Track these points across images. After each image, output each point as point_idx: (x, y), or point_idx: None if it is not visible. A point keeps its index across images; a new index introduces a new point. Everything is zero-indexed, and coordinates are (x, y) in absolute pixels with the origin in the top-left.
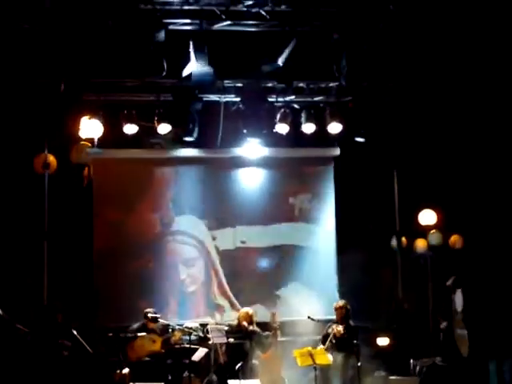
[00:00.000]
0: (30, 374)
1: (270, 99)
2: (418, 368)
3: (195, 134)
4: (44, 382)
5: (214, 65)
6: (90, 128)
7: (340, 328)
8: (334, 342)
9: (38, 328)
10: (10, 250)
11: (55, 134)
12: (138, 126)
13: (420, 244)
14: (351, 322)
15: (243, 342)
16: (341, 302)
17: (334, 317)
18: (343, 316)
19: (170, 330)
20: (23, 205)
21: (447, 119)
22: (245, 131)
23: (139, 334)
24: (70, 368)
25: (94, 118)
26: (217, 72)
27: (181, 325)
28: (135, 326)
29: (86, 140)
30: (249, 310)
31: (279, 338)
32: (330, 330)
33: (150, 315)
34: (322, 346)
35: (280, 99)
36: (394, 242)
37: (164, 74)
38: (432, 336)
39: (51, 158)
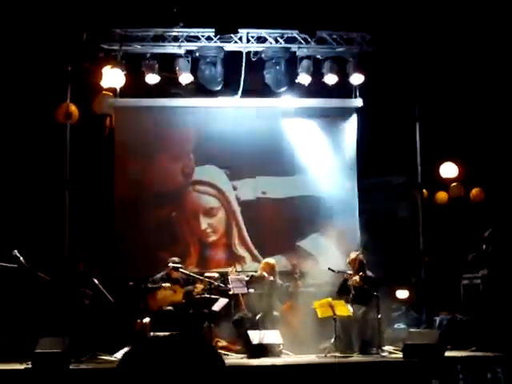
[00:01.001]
0: (51, 321)
1: (292, 49)
2: (437, 321)
3: (217, 84)
4: (65, 331)
5: (237, 14)
6: (112, 78)
7: (356, 277)
8: (353, 293)
9: (59, 276)
10: (32, 200)
11: (77, 83)
12: (159, 76)
13: (441, 196)
14: (368, 273)
15: (263, 292)
16: (352, 255)
17: None
18: (357, 267)
19: (192, 282)
20: (45, 155)
21: (471, 70)
22: (267, 81)
23: (163, 285)
24: (91, 316)
25: (116, 68)
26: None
27: (201, 274)
28: (158, 275)
29: (108, 90)
30: (271, 260)
31: (299, 289)
32: (349, 282)
33: (171, 265)
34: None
35: (302, 49)
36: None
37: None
38: (452, 290)
39: (73, 108)
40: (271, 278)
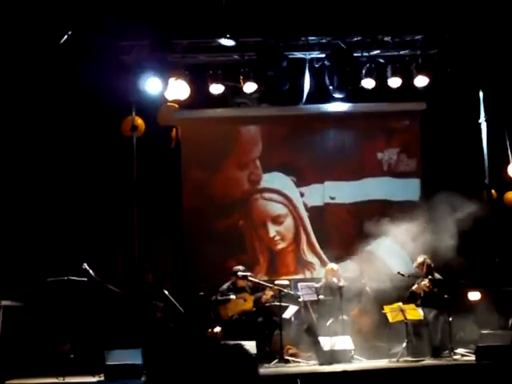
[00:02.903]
0: (123, 334)
1: (355, 54)
2: (510, 322)
3: (282, 92)
4: (137, 343)
5: (298, 21)
6: (177, 89)
7: (425, 282)
8: (422, 297)
9: (129, 289)
10: (100, 213)
11: (142, 96)
12: (223, 85)
13: (510, 196)
14: (437, 275)
15: (333, 298)
16: (420, 259)
17: None
18: (426, 271)
19: (261, 289)
20: (113, 168)
21: None
22: (330, 87)
23: (231, 297)
24: (163, 329)
25: (181, 79)
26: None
27: (271, 282)
28: (225, 286)
29: (173, 101)
30: (334, 265)
31: (369, 294)
32: (414, 288)
33: (239, 273)
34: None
35: (365, 54)
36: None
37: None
38: None
39: (139, 121)
40: (340, 284)
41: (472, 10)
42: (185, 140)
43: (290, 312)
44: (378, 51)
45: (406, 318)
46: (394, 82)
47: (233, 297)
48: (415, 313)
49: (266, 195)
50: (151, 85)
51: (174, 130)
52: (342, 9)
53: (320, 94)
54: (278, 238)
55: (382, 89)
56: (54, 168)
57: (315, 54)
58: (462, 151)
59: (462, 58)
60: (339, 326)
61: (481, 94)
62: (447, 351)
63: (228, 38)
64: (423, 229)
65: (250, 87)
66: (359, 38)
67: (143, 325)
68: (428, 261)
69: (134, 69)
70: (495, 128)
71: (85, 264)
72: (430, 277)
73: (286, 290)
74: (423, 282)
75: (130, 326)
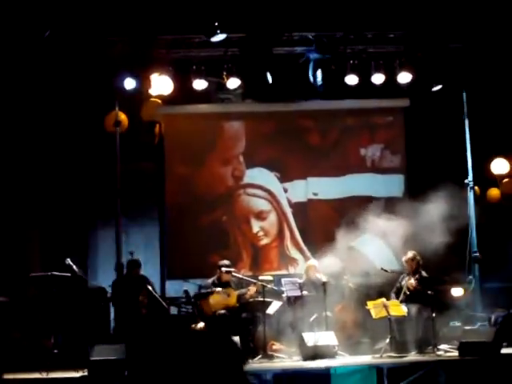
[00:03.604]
0: (107, 329)
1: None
2: (493, 318)
3: (265, 88)
4: (121, 339)
5: (283, 17)
6: (161, 85)
7: (412, 281)
8: (407, 294)
9: (115, 284)
10: (83, 208)
11: (125, 91)
12: (207, 81)
13: (493, 193)
14: (423, 273)
15: (317, 294)
16: (410, 254)
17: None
18: (414, 268)
19: (246, 285)
20: (95, 163)
21: None
22: (313, 83)
23: (215, 289)
24: (148, 325)
25: (164, 75)
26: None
27: (255, 278)
28: (210, 280)
29: (156, 97)
30: (314, 261)
31: (352, 290)
32: (403, 283)
33: (223, 269)
34: (394, 299)
35: (348, 50)
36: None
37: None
38: (507, 287)
39: (122, 116)
40: (324, 280)
41: (456, 7)
42: (168, 135)
43: (273, 308)
44: (361, 47)
45: (389, 314)
46: (378, 79)
47: (218, 289)
48: (398, 309)
49: (250, 191)
50: (133, 80)
51: (158, 125)
52: (325, 4)
53: (304, 90)
54: (261, 233)
55: (365, 85)
56: (36, 163)
57: (299, 50)
58: (446, 148)
59: (446, 54)
60: (323, 321)
61: (464, 94)
62: (430, 347)
63: (219, 33)
64: (407, 225)
65: (233, 83)
66: (342, 34)
67: (128, 321)
68: (418, 257)
69: (117, 64)
70: (478, 124)
71: (68, 259)
72: (416, 276)
73: (269, 286)
74: (410, 281)
75: (115, 322)
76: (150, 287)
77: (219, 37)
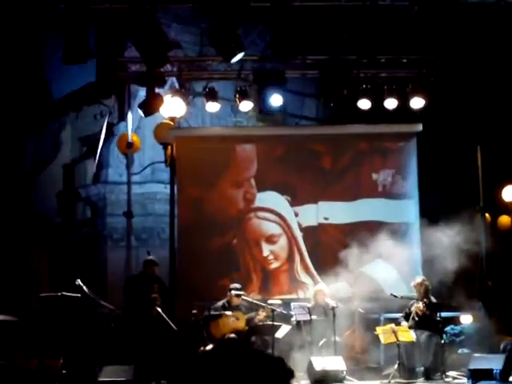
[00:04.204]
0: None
1: (352, 75)
2: (502, 346)
3: (278, 111)
4: (130, 359)
5: (295, 40)
6: (173, 107)
7: (420, 305)
8: (416, 319)
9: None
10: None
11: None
12: (219, 103)
13: (504, 220)
14: (432, 299)
15: (326, 318)
16: (418, 279)
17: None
18: (422, 293)
19: (256, 309)
20: None
21: None
22: (326, 106)
23: (225, 313)
24: (155, 345)
25: (177, 97)
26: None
27: (264, 301)
28: (220, 303)
29: (169, 119)
30: (323, 286)
31: (362, 315)
32: (412, 309)
33: (233, 292)
34: (404, 324)
35: (361, 74)
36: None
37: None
38: None
39: (134, 138)
40: (333, 305)
41: (469, 32)
42: (180, 157)
43: (282, 331)
44: (374, 71)
45: (398, 340)
46: (390, 103)
47: (226, 313)
48: (407, 334)
49: (261, 214)
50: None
51: (170, 147)
52: (338, 29)
53: (316, 114)
54: (271, 257)
55: (378, 110)
56: None
57: (312, 74)
58: (457, 174)
59: (459, 79)
60: (331, 346)
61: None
62: (439, 373)
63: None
64: (417, 251)
65: (245, 106)
66: (355, 58)
67: (135, 341)
68: (426, 282)
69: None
70: (491, 151)
71: (78, 280)
72: (425, 300)
73: (278, 310)
74: (417, 305)
75: (123, 343)
76: (159, 309)
77: (238, 56)
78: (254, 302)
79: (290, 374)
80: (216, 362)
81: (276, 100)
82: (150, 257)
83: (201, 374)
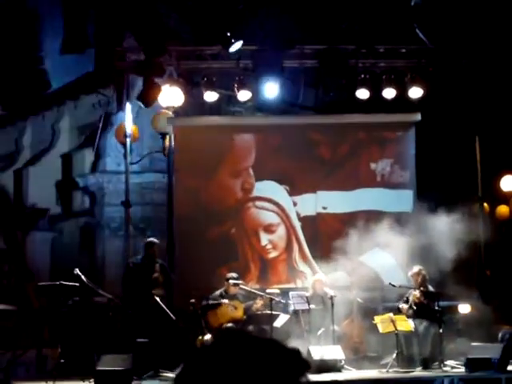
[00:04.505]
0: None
1: (350, 64)
2: (500, 335)
3: (276, 100)
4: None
5: (294, 30)
6: (171, 96)
7: (417, 293)
8: (414, 308)
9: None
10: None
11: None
12: (218, 93)
13: (502, 210)
14: (430, 287)
15: (324, 308)
16: (415, 269)
17: None
18: (419, 282)
19: (253, 298)
20: None
21: None
22: (324, 96)
23: (222, 301)
24: (151, 334)
25: (175, 86)
26: (297, 37)
27: (262, 290)
28: (217, 292)
29: (167, 108)
30: (321, 276)
31: (360, 305)
32: (410, 298)
33: (231, 281)
34: (404, 306)
35: (360, 64)
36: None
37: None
38: None
39: (133, 128)
40: (332, 294)
41: (469, 22)
42: (178, 147)
43: (280, 321)
44: (372, 61)
45: (396, 329)
46: (389, 93)
47: (225, 301)
48: (406, 324)
49: (259, 204)
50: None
51: (168, 136)
52: (337, 18)
53: (315, 103)
54: (269, 246)
55: (376, 99)
56: None
57: (310, 63)
58: (456, 164)
59: (457, 69)
60: (330, 335)
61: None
62: (437, 363)
63: (234, 42)
64: (415, 240)
65: (244, 95)
66: (354, 48)
67: (132, 330)
68: (423, 272)
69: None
70: (489, 141)
71: (76, 269)
72: (422, 288)
73: (277, 299)
74: (414, 293)
75: (120, 332)
76: (157, 298)
77: (236, 45)
78: (252, 290)
79: (307, 366)
80: (228, 353)
81: (273, 89)
82: (150, 238)
83: (214, 368)
